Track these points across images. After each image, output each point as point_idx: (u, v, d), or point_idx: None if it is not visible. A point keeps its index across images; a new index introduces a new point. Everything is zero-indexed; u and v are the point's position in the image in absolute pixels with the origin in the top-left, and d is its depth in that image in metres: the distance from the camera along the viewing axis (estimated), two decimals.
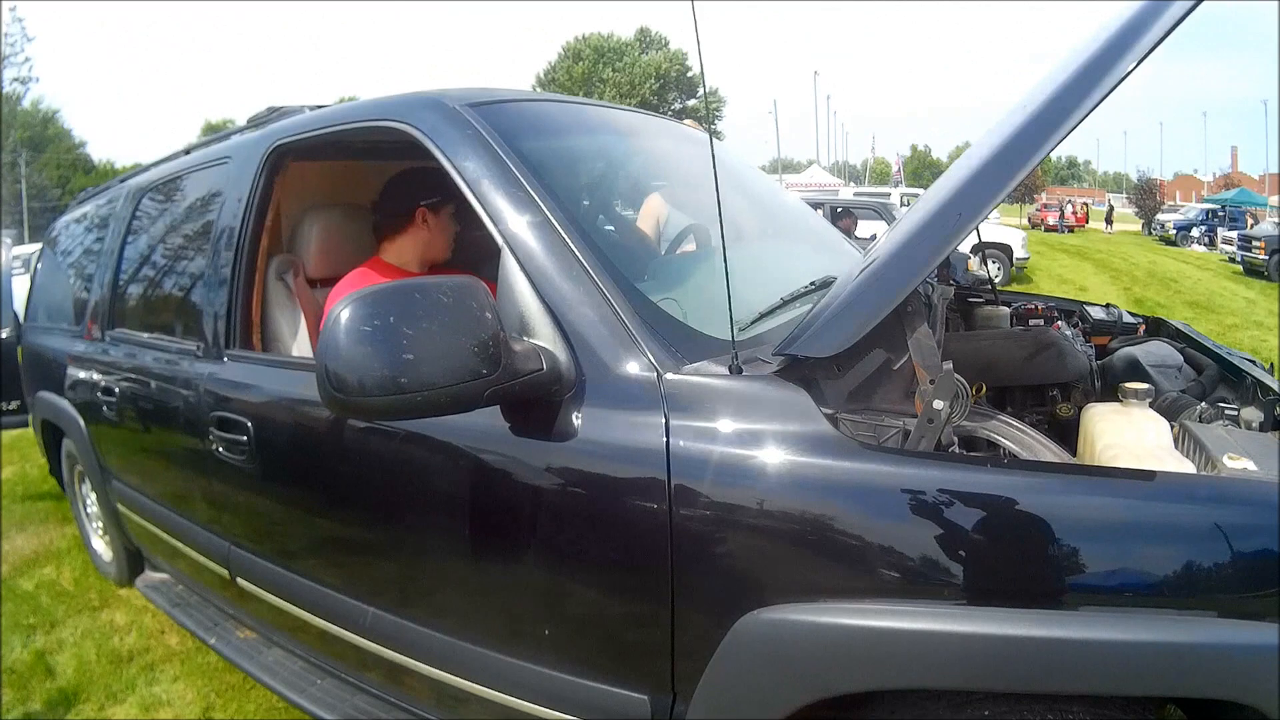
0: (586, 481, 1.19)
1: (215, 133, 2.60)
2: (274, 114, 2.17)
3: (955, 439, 1.13)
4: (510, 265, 1.32)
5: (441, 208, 2.07)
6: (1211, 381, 1.66)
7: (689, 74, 47.98)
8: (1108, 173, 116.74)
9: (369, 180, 2.34)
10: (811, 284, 1.57)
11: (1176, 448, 1.21)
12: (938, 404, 1.08)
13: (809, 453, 1.04)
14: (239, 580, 1.91)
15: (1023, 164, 1.06)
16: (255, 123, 2.20)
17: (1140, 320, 2.25)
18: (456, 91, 1.64)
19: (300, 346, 1.99)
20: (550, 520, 1.24)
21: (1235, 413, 1.37)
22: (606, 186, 1.87)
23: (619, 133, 2.07)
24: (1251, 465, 1.06)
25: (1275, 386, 1.48)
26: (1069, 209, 32.32)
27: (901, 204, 14.47)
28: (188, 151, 2.53)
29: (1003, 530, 0.97)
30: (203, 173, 2.26)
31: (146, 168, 2.84)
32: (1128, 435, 1.23)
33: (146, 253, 2.49)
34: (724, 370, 1.15)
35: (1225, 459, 1.08)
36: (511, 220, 1.35)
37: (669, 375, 1.16)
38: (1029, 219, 30.67)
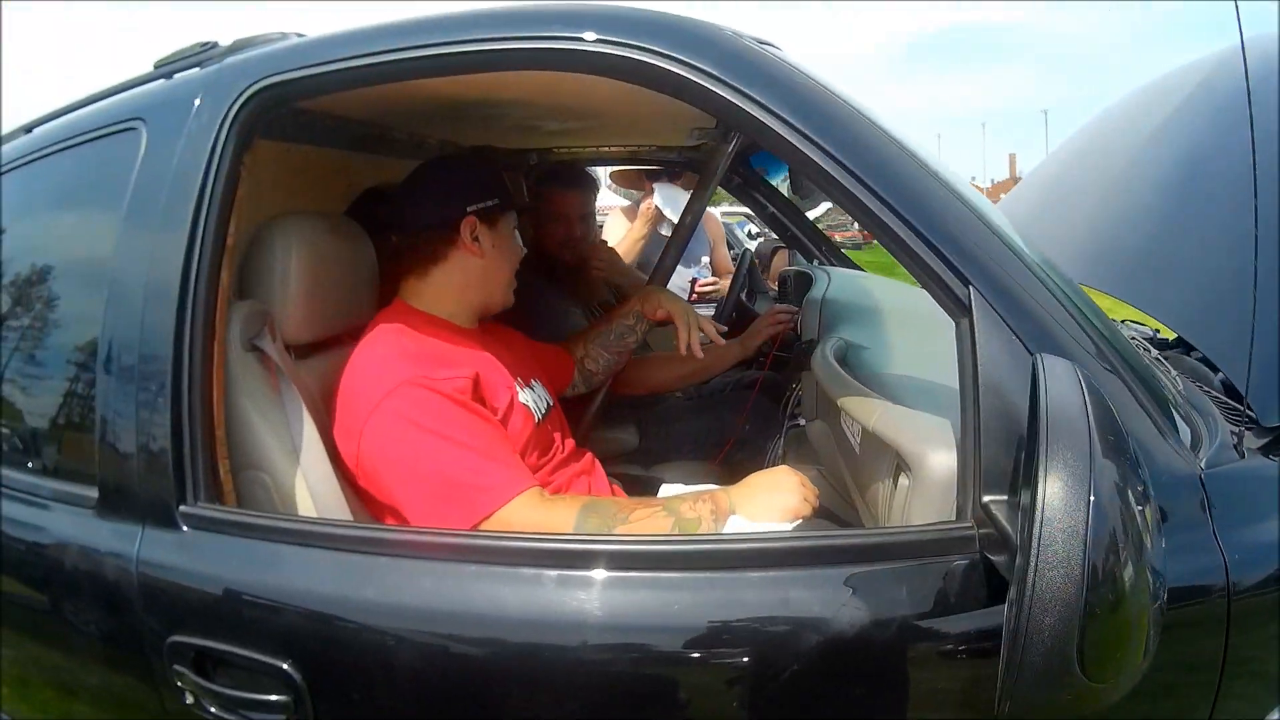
0: None
1: None
2: (209, 48, 1.20)
3: None
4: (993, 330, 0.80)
5: (500, 216, 1.25)
6: None
7: None
8: None
9: (329, 181, 1.46)
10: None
11: None
12: None
13: None
14: None
15: None
16: (184, 61, 1.20)
17: None
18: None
19: (312, 474, 1.07)
20: None
21: None
22: None
23: None
24: None
25: None
26: (855, 226, 35.14)
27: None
28: (29, 130, 1.41)
29: None
30: (81, 151, 1.23)
31: None
32: None
33: None
34: (1233, 455, 0.90)
35: None
36: (987, 252, 0.83)
37: (1202, 470, 0.84)
38: None
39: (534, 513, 0.99)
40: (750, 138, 0.93)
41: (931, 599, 0.78)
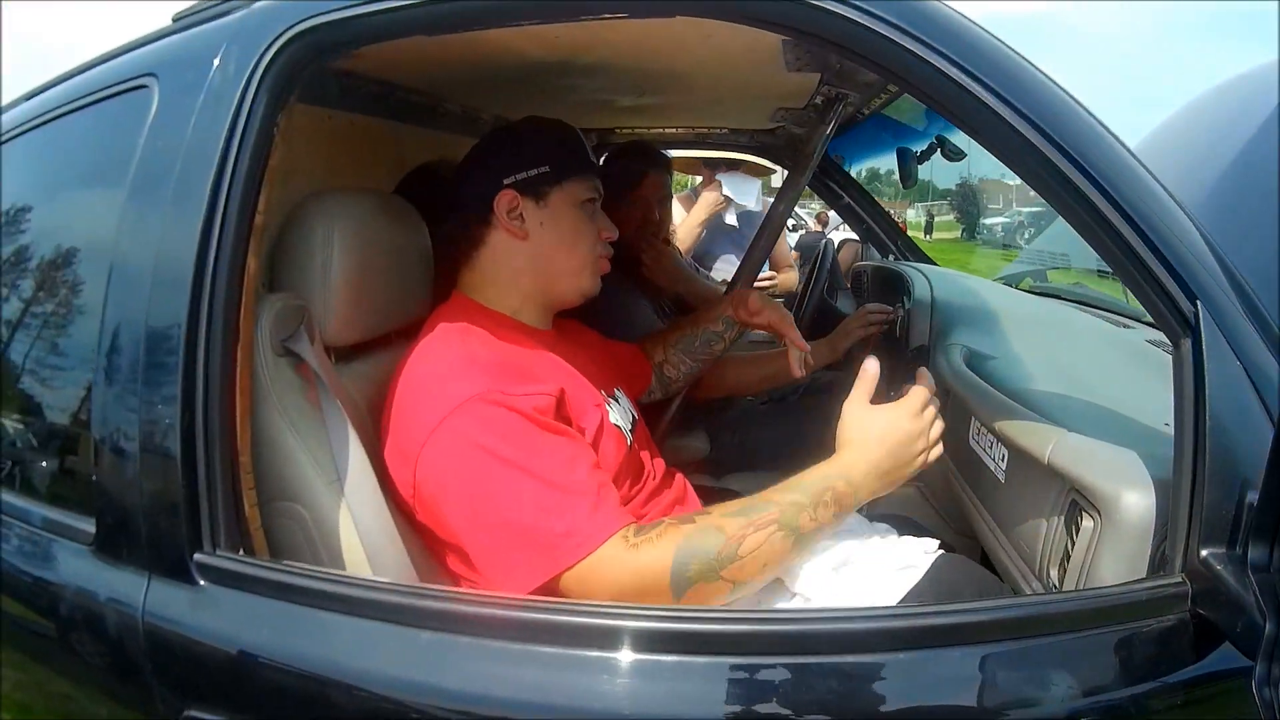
0: None
1: None
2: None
3: None
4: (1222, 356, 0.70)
5: (552, 187, 1.02)
6: None
7: None
8: None
9: (377, 153, 1.26)
10: None
11: None
12: None
13: None
14: None
15: None
16: (207, 12, 1.00)
17: None
18: None
19: (359, 506, 0.86)
20: None
21: None
22: None
23: None
24: None
25: None
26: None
27: None
28: (29, 97, 1.20)
29: None
30: (83, 116, 1.04)
31: None
32: None
33: None
34: None
35: None
36: (1211, 268, 0.72)
37: None
38: None
39: (622, 561, 0.79)
40: (945, 112, 0.75)
41: (1145, 665, 0.71)
